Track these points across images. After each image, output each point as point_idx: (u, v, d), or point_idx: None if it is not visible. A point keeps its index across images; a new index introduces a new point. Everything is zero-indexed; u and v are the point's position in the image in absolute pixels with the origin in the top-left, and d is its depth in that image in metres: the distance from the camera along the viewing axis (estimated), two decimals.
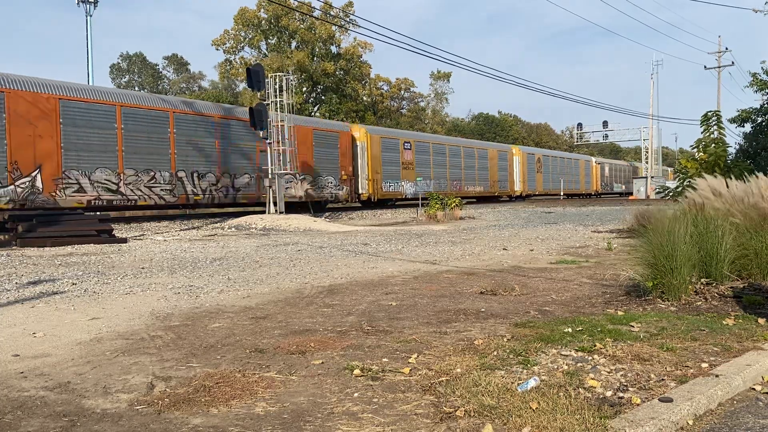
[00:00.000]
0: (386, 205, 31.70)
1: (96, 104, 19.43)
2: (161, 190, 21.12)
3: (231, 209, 24.81)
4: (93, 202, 19.15)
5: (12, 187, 17.24)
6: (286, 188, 24.50)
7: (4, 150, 17.06)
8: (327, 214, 26.78)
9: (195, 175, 21.61)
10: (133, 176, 20.29)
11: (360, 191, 29.90)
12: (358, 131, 30.51)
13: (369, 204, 30.65)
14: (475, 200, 39.69)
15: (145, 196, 20.71)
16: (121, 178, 19.93)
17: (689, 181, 12.18)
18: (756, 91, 25.86)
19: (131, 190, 20.25)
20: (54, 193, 18.18)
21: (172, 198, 21.42)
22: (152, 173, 20.83)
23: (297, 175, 25.26)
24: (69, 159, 18.60)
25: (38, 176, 17.87)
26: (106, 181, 19.57)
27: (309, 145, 26.47)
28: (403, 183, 32.46)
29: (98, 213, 17.67)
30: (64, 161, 18.45)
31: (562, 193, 50.39)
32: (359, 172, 29.72)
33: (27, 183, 17.61)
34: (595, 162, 61.46)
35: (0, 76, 17.61)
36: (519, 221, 21.60)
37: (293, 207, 25.32)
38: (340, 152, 28.54)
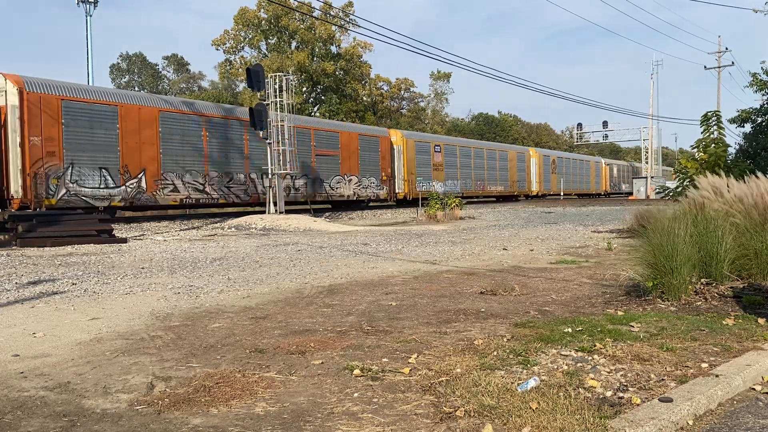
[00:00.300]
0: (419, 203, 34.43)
1: (187, 115, 22.43)
2: (237, 189, 23.95)
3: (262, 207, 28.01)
4: (184, 200, 22.19)
5: (123, 187, 20.11)
6: (336, 187, 28.32)
7: (117, 156, 19.92)
8: (327, 214, 26.92)
9: (264, 176, 23.79)
10: (216, 178, 23.11)
11: (397, 191, 32.51)
12: (395, 135, 33.19)
13: (404, 202, 32.92)
14: (494, 199, 42.01)
15: (225, 195, 23.52)
16: (206, 179, 22.80)
17: (690, 180, 12.20)
18: (756, 91, 25.87)
19: (214, 189, 23.05)
20: (155, 193, 21.06)
21: (246, 197, 24.35)
22: (231, 175, 23.70)
23: (346, 176, 28.84)
24: (166, 163, 21.43)
25: (143, 178, 20.69)
26: (194, 182, 22.39)
27: (355, 149, 29.36)
28: (434, 183, 34.78)
29: (98, 213, 17.71)
30: (162, 165, 21.28)
31: (574, 193, 52.99)
32: (396, 174, 32.38)
33: (135, 184, 20.48)
34: (605, 163, 64.29)
35: (114, 92, 21.61)
36: (519, 221, 21.60)
37: (342, 205, 29.43)
38: (380, 155, 31.26)
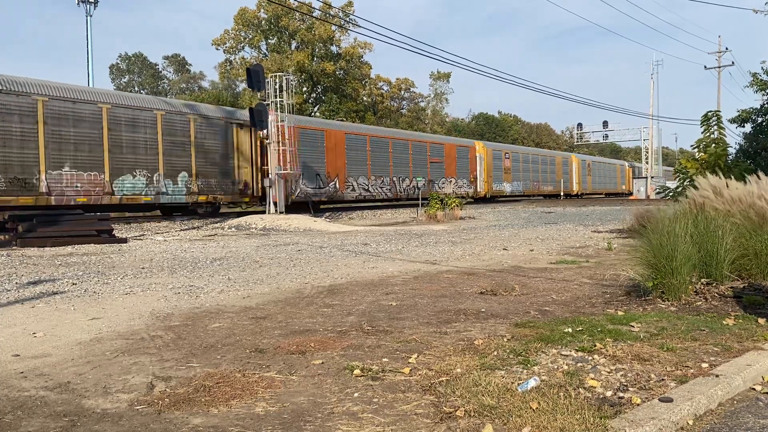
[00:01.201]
0: (495, 200, 42.48)
1: (362, 136, 31.73)
2: (386, 189, 32.76)
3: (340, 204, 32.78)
4: (357, 197, 30.73)
5: (327, 188, 28.57)
6: (441, 187, 35.21)
7: (323, 165, 28.35)
8: (327, 213, 27.04)
9: (400, 179, 33.28)
10: (374, 180, 31.80)
11: (479, 190, 40.31)
12: (478, 145, 41.61)
13: (483, 200, 40.42)
14: (542, 197, 48.54)
15: (380, 194, 32.43)
16: (369, 182, 31.45)
17: (690, 180, 12.19)
18: (756, 91, 25.85)
19: (373, 189, 31.86)
20: (342, 192, 29.57)
21: (390, 194, 33.07)
22: (382, 178, 32.30)
23: (448, 178, 37.43)
24: (349, 171, 29.98)
25: (337, 181, 29.15)
26: (363, 184, 31.04)
27: (453, 157, 38.13)
28: (504, 184, 43.45)
29: (98, 213, 17.71)
30: (347, 172, 29.87)
31: (604, 192, 60.69)
32: (479, 176, 40.55)
33: (333, 185, 28.97)
34: (628, 165, 71.21)
35: (321, 122, 32.12)
36: (519, 221, 21.60)
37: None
38: (469, 161, 39.82)
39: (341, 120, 47.87)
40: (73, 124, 18.88)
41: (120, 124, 20.01)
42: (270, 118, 22.34)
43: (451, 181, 37.21)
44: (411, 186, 33.74)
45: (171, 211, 23.84)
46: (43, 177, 18.05)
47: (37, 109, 18.06)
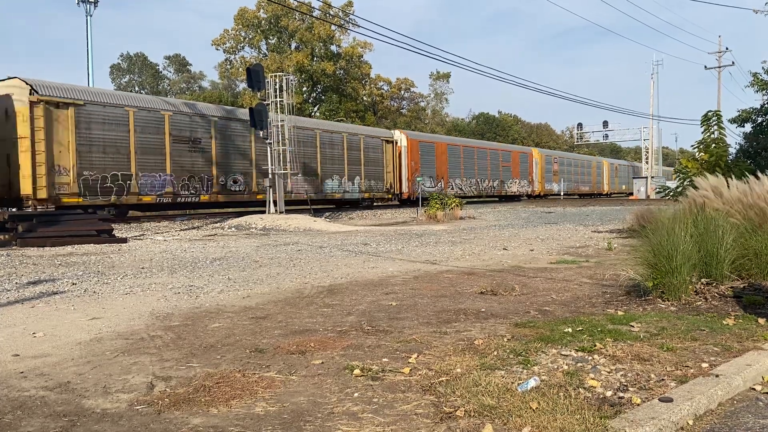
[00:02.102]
0: (546, 198, 49.90)
1: (455, 146, 39.98)
2: (473, 188, 40.92)
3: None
4: (455, 194, 33.84)
5: (436, 187, 35.72)
6: (510, 186, 44.83)
7: (434, 170, 36.86)
8: (327, 213, 27.03)
9: (482, 180, 42.17)
10: (465, 181, 40.12)
11: (535, 189, 48.50)
12: (534, 151, 50.54)
13: (538, 197, 48.63)
14: (577, 196, 54.98)
15: (469, 192, 39.86)
16: (462, 182, 39.89)
17: (690, 180, 12.17)
18: (756, 91, 25.86)
19: (465, 188, 39.72)
20: (446, 191, 35.36)
21: (476, 192, 41.15)
22: (470, 180, 40.76)
23: (514, 179, 45.59)
24: (450, 174, 38.45)
25: (442, 182, 37.37)
26: (458, 184, 39.16)
27: (517, 162, 46.61)
28: (553, 184, 51.84)
29: (98, 213, 17.72)
30: (449, 175, 38.35)
31: (626, 191, 67.36)
32: (535, 178, 48.73)
33: (440, 185, 36.77)
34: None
35: (434, 136, 42.00)
36: (519, 221, 21.60)
37: (513, 198, 45.78)
38: (528, 165, 48.33)
39: (341, 120, 47.99)
40: (305, 144, 27.30)
41: (325, 144, 29.38)
42: (269, 118, 22.34)
43: (516, 181, 46.12)
44: (490, 185, 42.98)
45: (346, 204, 31.86)
46: (289, 182, 24.89)
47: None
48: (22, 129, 18.17)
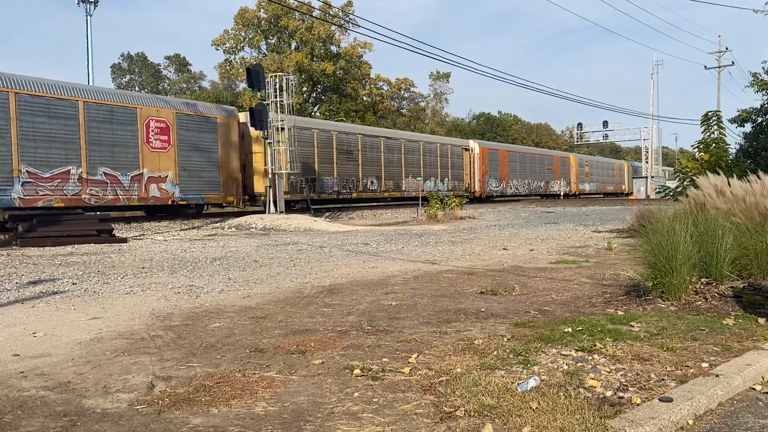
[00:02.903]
0: (578, 197, 55.23)
1: (514, 152, 47.00)
2: (524, 188, 46.96)
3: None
4: (514, 194, 45.24)
5: (500, 187, 43.29)
6: (552, 187, 51.66)
7: (499, 173, 43.09)
8: (327, 213, 27.05)
9: (532, 181, 48.65)
10: (520, 182, 46.30)
11: (571, 189, 55.22)
12: (571, 156, 57.22)
13: (572, 196, 54.49)
14: (602, 195, 60.78)
15: (522, 191, 46.58)
16: (519, 184, 46.14)
17: (691, 180, 12.17)
18: (756, 91, 25.87)
19: (519, 188, 46.36)
20: (506, 189, 44.19)
21: (527, 191, 47.45)
22: (523, 180, 46.97)
23: (555, 180, 52.32)
24: (510, 176, 44.81)
25: (503, 183, 44.08)
26: (515, 185, 45.61)
27: (558, 165, 53.56)
28: (585, 184, 58.58)
29: (98, 213, 17.73)
30: (509, 176, 44.89)
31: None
32: (571, 179, 55.58)
33: (502, 186, 43.78)
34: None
35: (499, 145, 48.38)
36: (519, 221, 21.60)
37: (555, 196, 51.79)
38: (567, 168, 55.09)
39: (341, 120, 48.11)
40: (411, 153, 35.48)
41: (427, 153, 36.81)
42: (270, 118, 22.36)
43: (557, 182, 53.06)
44: (538, 185, 49.65)
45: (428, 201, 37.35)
46: (402, 181, 34.62)
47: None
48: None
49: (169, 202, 21.52)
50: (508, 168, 44.95)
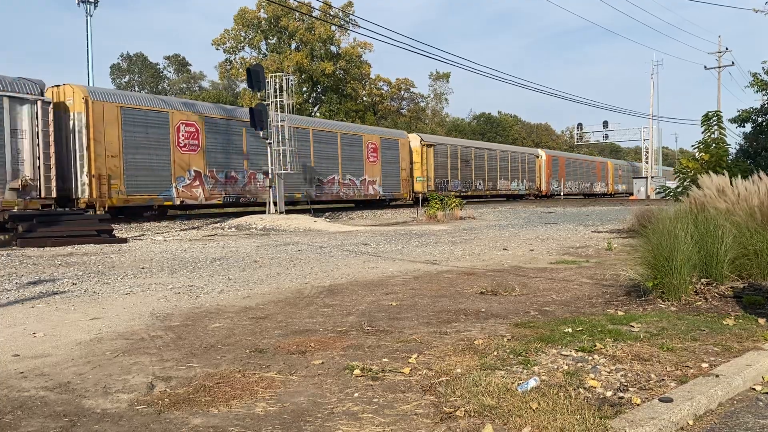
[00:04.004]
0: (613, 196, 61.60)
1: (571, 159, 56.79)
2: (575, 189, 53.84)
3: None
4: (566, 192, 52.23)
5: (559, 187, 51.64)
6: (594, 187, 59.71)
7: (557, 175, 51.99)
8: (327, 213, 27.04)
9: (581, 182, 56.45)
10: (572, 183, 52.88)
11: (608, 189, 62.95)
12: (608, 161, 66.17)
13: (611, 195, 61.97)
14: (629, 194, 64.72)
15: (573, 191, 54.92)
16: (571, 184, 53.83)
17: (692, 180, 12.17)
18: (756, 92, 25.86)
19: (572, 189, 53.03)
20: (563, 189, 52.54)
21: (577, 191, 53.92)
22: (574, 182, 54.28)
23: (597, 182, 59.94)
24: (567, 178, 53.36)
25: (561, 183, 52.31)
26: (569, 186, 52.92)
27: (599, 168, 61.84)
28: (618, 185, 65.52)
29: (98, 213, 17.73)
30: (566, 179, 53.14)
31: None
32: (609, 181, 63.64)
33: (560, 186, 51.90)
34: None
35: (559, 153, 61.04)
36: (519, 221, 21.60)
37: (597, 195, 59.13)
38: (606, 171, 63.26)
39: (341, 120, 48.12)
40: (490, 160, 43.53)
41: (502, 160, 44.55)
42: (269, 118, 22.38)
43: (599, 183, 61.54)
44: (585, 186, 57.46)
45: (513, 197, 46.65)
46: (478, 183, 42.44)
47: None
48: None
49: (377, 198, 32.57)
50: (564, 171, 53.71)
